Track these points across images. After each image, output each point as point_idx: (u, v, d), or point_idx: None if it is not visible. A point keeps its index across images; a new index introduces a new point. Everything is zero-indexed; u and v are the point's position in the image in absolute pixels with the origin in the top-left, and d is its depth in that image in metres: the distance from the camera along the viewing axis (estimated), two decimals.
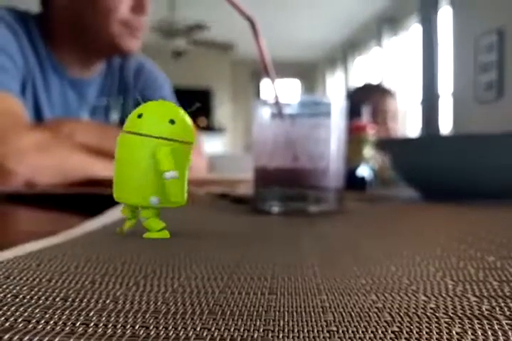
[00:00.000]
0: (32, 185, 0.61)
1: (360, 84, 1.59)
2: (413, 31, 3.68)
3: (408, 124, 3.56)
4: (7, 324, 0.11)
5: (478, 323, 0.11)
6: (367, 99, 1.37)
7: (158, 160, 0.21)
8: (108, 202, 0.36)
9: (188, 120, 0.23)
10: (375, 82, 1.75)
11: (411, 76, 3.66)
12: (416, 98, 3.46)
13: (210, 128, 5.57)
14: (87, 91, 0.82)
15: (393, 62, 3.90)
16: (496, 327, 0.11)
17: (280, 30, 4.49)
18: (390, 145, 0.52)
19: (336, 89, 5.39)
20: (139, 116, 0.22)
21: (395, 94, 1.48)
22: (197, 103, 0.24)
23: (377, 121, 1.33)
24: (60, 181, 0.63)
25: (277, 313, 0.12)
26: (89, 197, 0.47)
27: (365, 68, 4.59)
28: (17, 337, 0.10)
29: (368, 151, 0.72)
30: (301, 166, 0.34)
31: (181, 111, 0.23)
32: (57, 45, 0.77)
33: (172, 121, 0.22)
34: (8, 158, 0.60)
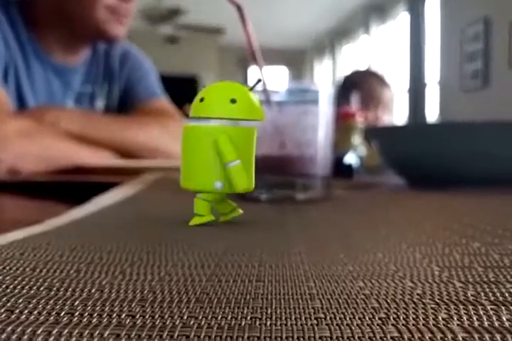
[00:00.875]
0: (15, 172, 0.60)
1: (353, 69, 1.59)
2: (401, 20, 3.68)
3: (395, 112, 3.57)
4: None
5: (463, 308, 0.11)
6: (361, 83, 1.36)
7: (219, 151, 0.21)
8: (94, 189, 0.36)
9: (252, 97, 0.22)
10: (368, 68, 1.74)
11: (398, 64, 3.66)
12: (403, 86, 3.47)
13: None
14: (72, 78, 0.80)
15: (381, 51, 3.90)
16: (481, 312, 0.11)
17: (268, 18, 4.44)
18: (376, 132, 0.52)
19: (323, 76, 5.38)
20: (201, 100, 0.22)
21: (389, 83, 1.48)
22: (259, 78, 0.23)
23: (368, 108, 1.33)
24: (44, 168, 0.62)
25: (265, 301, 0.12)
26: (74, 185, 0.47)
27: (353, 56, 4.58)
28: (0, 327, 0.10)
29: (356, 139, 0.72)
30: (288, 153, 0.34)
31: (243, 89, 0.22)
32: (41, 31, 0.75)
33: (233, 101, 0.21)
34: None
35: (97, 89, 0.84)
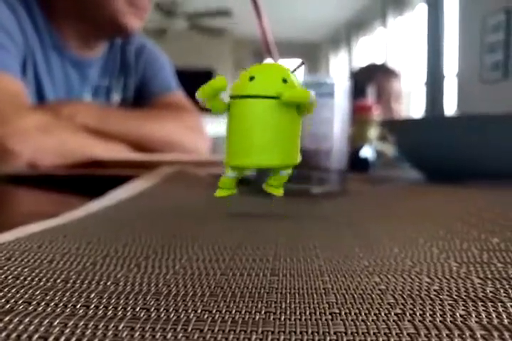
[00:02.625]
0: (34, 166, 0.61)
1: (364, 63, 1.57)
2: (419, 11, 3.61)
3: (412, 105, 3.52)
4: (8, 306, 0.11)
5: (482, 305, 0.11)
6: (371, 79, 1.35)
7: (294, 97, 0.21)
8: (110, 183, 0.36)
9: (297, 82, 0.22)
10: (379, 62, 1.73)
11: (416, 56, 3.60)
12: (421, 78, 3.42)
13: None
14: (89, 71, 0.81)
15: (398, 43, 3.84)
16: (501, 309, 0.11)
17: (283, 10, 4.40)
18: (393, 126, 0.51)
19: (339, 69, 5.33)
20: (251, 78, 0.21)
21: (399, 75, 1.46)
22: (301, 61, 0.23)
23: (380, 102, 1.32)
24: (62, 162, 0.63)
25: (279, 295, 0.12)
26: (91, 179, 0.47)
27: (369, 49, 4.52)
28: (17, 318, 0.10)
29: (372, 132, 0.71)
30: (304, 147, 0.34)
31: (290, 73, 0.22)
32: (59, 23, 0.75)
33: (285, 81, 0.21)
34: (10, 138, 0.60)
35: (113, 82, 0.85)
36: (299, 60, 0.23)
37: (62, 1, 0.75)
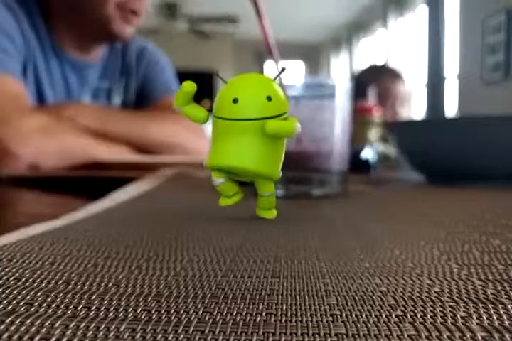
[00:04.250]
0: (35, 168, 0.61)
1: (369, 64, 1.57)
2: (419, 12, 3.61)
3: (413, 106, 3.52)
4: (9, 307, 0.11)
5: (483, 307, 0.11)
6: (376, 80, 1.35)
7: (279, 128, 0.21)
8: (111, 185, 0.36)
9: (280, 91, 0.21)
10: (384, 64, 1.72)
11: (417, 57, 3.60)
12: (421, 80, 3.42)
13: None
14: (88, 73, 0.81)
15: (399, 44, 3.84)
16: (501, 311, 0.11)
17: (284, 11, 4.41)
18: (394, 127, 0.51)
19: (340, 70, 5.33)
20: (234, 101, 0.21)
21: (404, 78, 1.46)
22: (283, 67, 0.23)
23: (385, 105, 1.32)
24: (63, 164, 0.63)
25: (280, 297, 0.12)
26: (92, 180, 0.47)
27: (370, 50, 4.52)
28: (19, 320, 0.10)
29: (373, 133, 0.71)
30: (304, 149, 0.34)
31: (274, 84, 0.21)
32: (57, 27, 0.76)
33: (269, 98, 0.21)
34: (12, 140, 0.60)
35: (114, 84, 0.85)
36: (292, 64, 0.23)
37: (58, 6, 0.75)
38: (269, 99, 0.21)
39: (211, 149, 0.22)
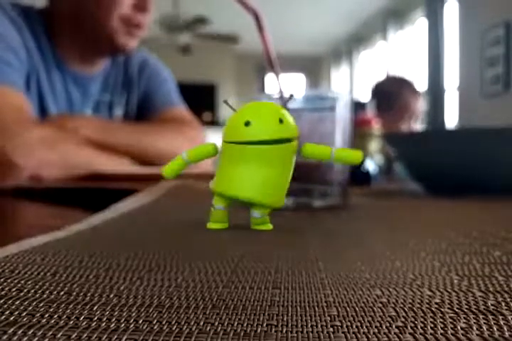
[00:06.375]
0: (38, 179, 0.61)
1: (388, 75, 1.57)
2: (419, 25, 3.65)
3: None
4: (12, 318, 0.11)
5: (483, 318, 0.11)
6: (397, 94, 1.36)
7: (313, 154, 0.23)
8: (113, 196, 0.36)
9: (290, 117, 0.22)
10: (404, 77, 1.73)
11: (416, 70, 3.63)
12: (421, 92, 3.43)
13: (215, 122, 5.56)
14: (90, 86, 0.82)
15: (399, 56, 3.87)
16: (502, 322, 0.11)
17: (285, 25, 4.46)
18: (394, 139, 0.52)
19: (341, 83, 5.36)
20: (247, 124, 0.21)
21: (420, 92, 1.47)
22: (291, 94, 0.24)
23: (403, 119, 1.33)
24: (65, 175, 0.63)
25: (281, 308, 0.12)
26: (94, 192, 0.47)
27: (370, 62, 4.56)
28: (21, 330, 0.10)
29: (373, 145, 0.72)
30: (305, 161, 0.34)
31: (283, 110, 0.22)
32: (59, 40, 0.77)
33: (281, 120, 0.21)
34: (15, 152, 0.61)
35: (115, 97, 0.85)
36: (293, 91, 0.23)
37: (61, 19, 0.76)
38: (281, 121, 0.21)
39: (219, 173, 0.23)
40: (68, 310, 0.12)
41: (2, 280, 0.14)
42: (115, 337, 0.10)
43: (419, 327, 0.11)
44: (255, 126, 0.21)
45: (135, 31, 0.76)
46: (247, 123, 0.21)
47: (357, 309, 0.12)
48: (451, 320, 0.11)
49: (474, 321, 0.11)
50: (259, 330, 0.10)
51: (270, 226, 0.24)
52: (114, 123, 0.81)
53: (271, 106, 0.22)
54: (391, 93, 1.36)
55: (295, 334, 0.10)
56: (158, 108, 0.87)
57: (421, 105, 1.45)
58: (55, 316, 0.11)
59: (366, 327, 0.11)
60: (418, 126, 1.46)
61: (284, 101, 0.23)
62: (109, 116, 0.85)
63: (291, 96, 0.23)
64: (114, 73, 0.86)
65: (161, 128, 0.79)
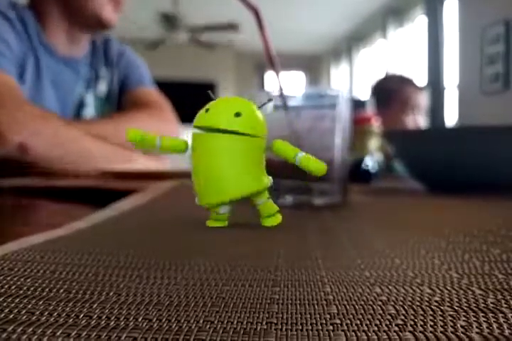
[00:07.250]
0: (24, 149, 0.62)
1: (387, 73, 1.57)
2: (419, 23, 3.65)
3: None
4: (11, 315, 0.11)
5: (483, 316, 0.11)
6: (398, 91, 1.36)
7: (282, 151, 0.23)
8: (113, 195, 0.36)
9: (259, 116, 0.23)
10: (404, 74, 1.73)
11: (416, 68, 3.62)
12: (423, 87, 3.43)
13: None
14: (80, 66, 0.87)
15: (398, 54, 3.86)
16: (502, 320, 0.11)
17: (285, 23, 4.45)
18: (394, 137, 0.52)
19: (340, 81, 5.36)
20: (206, 110, 0.23)
21: (422, 88, 1.47)
22: (270, 99, 0.24)
23: (407, 115, 1.33)
24: (54, 154, 0.64)
25: (280, 306, 0.12)
26: (94, 190, 0.47)
27: (370, 60, 4.56)
28: (20, 328, 0.10)
29: (373, 143, 0.72)
30: None
31: (252, 107, 0.23)
32: (48, 26, 0.81)
33: (238, 114, 0.22)
34: (5, 122, 0.62)
35: (100, 74, 0.89)
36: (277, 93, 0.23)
37: (48, 3, 0.78)
38: (237, 115, 0.22)
39: (196, 185, 0.23)
40: (67, 308, 0.12)
41: (1, 277, 0.14)
42: (114, 335, 0.10)
43: (419, 325, 0.11)
44: (211, 113, 0.23)
45: (117, 6, 0.82)
46: (206, 110, 0.23)
47: (357, 307, 0.12)
48: (451, 318, 0.11)
49: (474, 319, 0.11)
50: (258, 328, 0.10)
51: (279, 218, 0.24)
52: (92, 119, 0.85)
53: (238, 101, 0.23)
54: (391, 90, 1.37)
55: (294, 333, 0.10)
56: (132, 87, 0.91)
57: (424, 99, 1.45)
58: (55, 314, 0.11)
59: (366, 325, 0.11)
60: (423, 120, 1.46)
61: (283, 99, 0.24)
62: (95, 92, 0.87)
63: (270, 100, 0.24)
64: (95, 54, 0.91)
65: (134, 115, 0.82)
